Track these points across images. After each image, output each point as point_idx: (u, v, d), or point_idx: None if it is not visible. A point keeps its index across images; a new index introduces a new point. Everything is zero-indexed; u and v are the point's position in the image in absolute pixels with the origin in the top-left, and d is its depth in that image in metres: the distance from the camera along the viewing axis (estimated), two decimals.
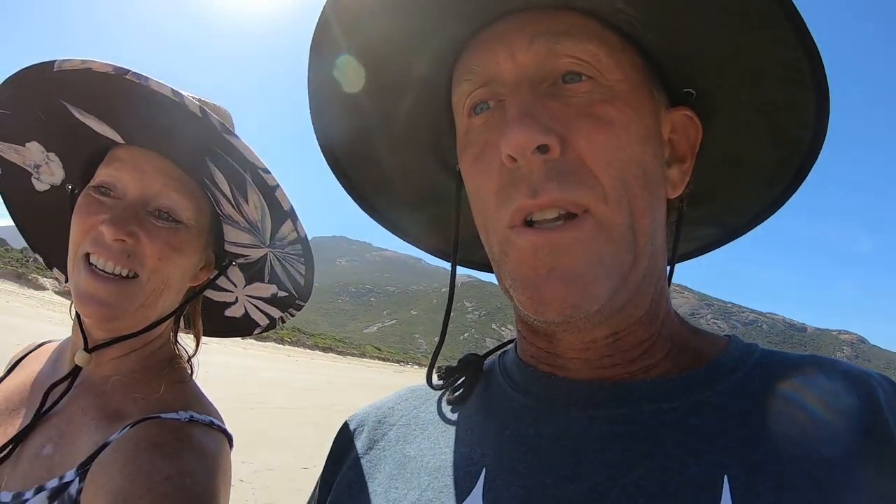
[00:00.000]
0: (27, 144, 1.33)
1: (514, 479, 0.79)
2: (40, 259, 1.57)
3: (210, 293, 1.45)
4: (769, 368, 0.83)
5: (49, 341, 1.53)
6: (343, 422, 1.10)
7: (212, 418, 1.22)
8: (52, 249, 1.52)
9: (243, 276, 1.42)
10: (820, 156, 0.92)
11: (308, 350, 65.25)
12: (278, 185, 1.17)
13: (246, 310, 1.50)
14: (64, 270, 1.40)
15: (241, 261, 1.38)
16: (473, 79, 0.86)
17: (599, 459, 0.76)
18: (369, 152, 1.09)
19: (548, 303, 0.77)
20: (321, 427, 13.26)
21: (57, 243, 1.39)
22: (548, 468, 0.78)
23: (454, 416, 0.96)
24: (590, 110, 0.79)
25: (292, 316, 1.49)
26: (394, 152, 1.08)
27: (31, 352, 1.51)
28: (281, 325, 1.53)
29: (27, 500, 1.09)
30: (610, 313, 0.80)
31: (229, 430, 1.26)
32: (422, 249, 1.25)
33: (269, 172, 1.15)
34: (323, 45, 0.94)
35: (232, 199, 1.24)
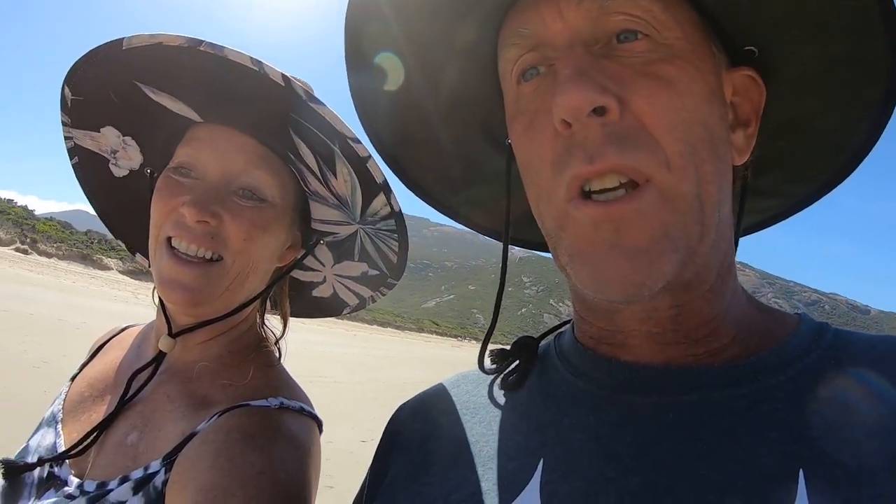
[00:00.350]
0: (102, 130, 1.29)
1: (574, 471, 0.75)
2: (123, 245, 1.55)
3: (297, 273, 1.41)
4: (844, 350, 0.77)
5: (132, 325, 1.52)
6: (397, 407, 1.07)
7: (302, 404, 1.19)
8: (134, 236, 1.49)
9: (332, 255, 1.38)
10: (893, 116, 0.85)
11: (367, 325, 65.91)
12: (370, 156, 1.11)
13: (335, 289, 1.46)
14: (147, 256, 1.36)
15: (329, 239, 1.34)
16: (521, 42, 0.81)
17: (665, 450, 0.72)
18: (414, 131, 1.05)
19: (609, 281, 0.72)
20: (380, 401, 13.40)
21: (139, 229, 1.36)
22: (610, 459, 0.74)
23: (509, 403, 0.92)
24: (648, 70, 0.74)
25: (383, 295, 1.44)
26: (440, 130, 1.04)
27: (113, 336, 1.49)
28: (371, 304, 1.48)
29: (111, 490, 1.07)
30: (674, 288, 0.75)
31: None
32: (473, 229, 1.20)
33: (359, 142, 1.09)
34: (362, 19, 0.91)
35: (319, 174, 1.20)
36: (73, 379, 1.40)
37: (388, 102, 1.01)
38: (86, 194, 1.43)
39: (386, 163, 1.10)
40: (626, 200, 0.71)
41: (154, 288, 1.22)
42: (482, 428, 0.90)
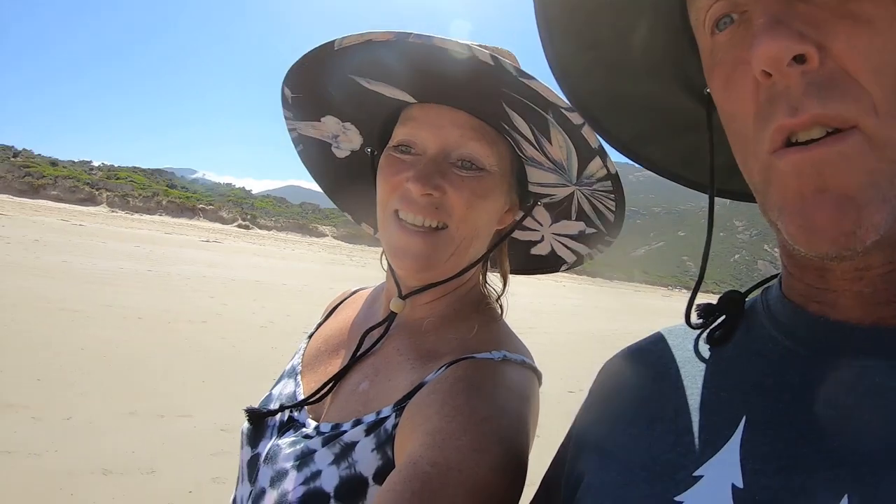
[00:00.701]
0: (322, 119, 1.40)
1: (775, 430, 0.73)
2: (349, 217, 1.67)
3: (516, 233, 1.45)
4: None
5: (362, 288, 1.65)
6: (603, 358, 1.08)
7: (523, 357, 1.23)
8: (358, 207, 1.63)
9: (549, 215, 1.41)
10: None
11: (576, 275, 66.05)
12: (584, 123, 1.12)
13: (552, 247, 1.51)
14: (371, 225, 1.52)
15: (546, 200, 1.38)
16: None
17: (868, 414, 0.67)
18: (611, 87, 1.04)
19: (819, 230, 0.66)
20: (587, 352, 13.41)
21: (362, 201, 1.50)
22: (812, 420, 0.71)
23: (714, 358, 0.90)
24: (845, 10, 0.67)
25: (601, 252, 1.47)
26: (636, 86, 1.02)
27: (345, 298, 1.64)
28: (589, 260, 1.52)
29: (345, 431, 1.17)
30: (886, 244, 0.69)
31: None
32: (675, 182, 1.16)
33: (573, 111, 1.10)
34: None
35: (534, 141, 1.23)
36: (310, 337, 1.56)
37: (582, 65, 1.02)
38: (312, 174, 1.56)
39: (584, 118, 1.10)
40: (828, 143, 0.66)
41: (382, 254, 1.34)
42: (687, 382, 0.89)
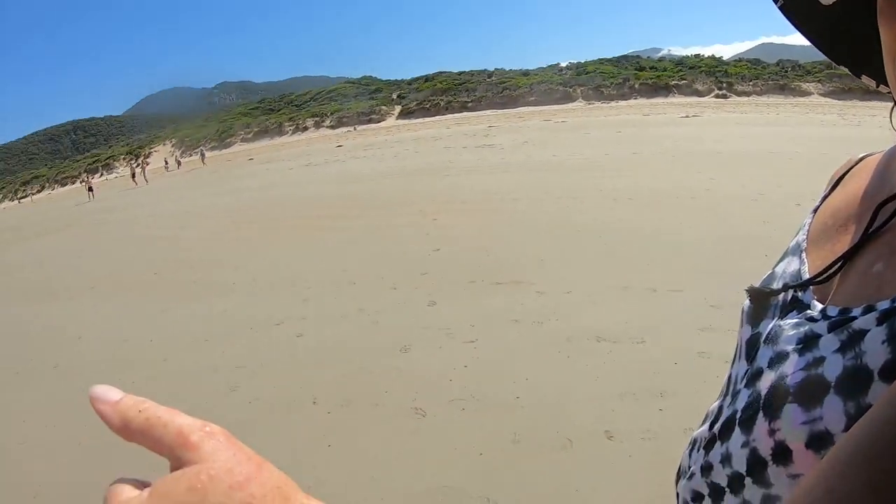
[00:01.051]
0: None
1: None
2: (845, 70, 1.45)
3: None
4: None
5: (869, 154, 1.49)
6: None
7: None
8: (856, 57, 1.41)
9: None
10: None
11: None
12: None
13: None
14: (872, 76, 1.34)
15: None
16: None
17: None
18: None
19: None
20: None
21: (860, 50, 1.32)
22: None
23: None
24: None
25: None
26: None
27: (852, 167, 1.49)
28: None
29: (854, 317, 1.08)
30: None
31: None
32: None
33: None
34: None
35: None
36: (815, 210, 1.45)
37: None
38: (799, 29, 1.36)
39: None
40: None
41: (893, 110, 1.19)
42: None
